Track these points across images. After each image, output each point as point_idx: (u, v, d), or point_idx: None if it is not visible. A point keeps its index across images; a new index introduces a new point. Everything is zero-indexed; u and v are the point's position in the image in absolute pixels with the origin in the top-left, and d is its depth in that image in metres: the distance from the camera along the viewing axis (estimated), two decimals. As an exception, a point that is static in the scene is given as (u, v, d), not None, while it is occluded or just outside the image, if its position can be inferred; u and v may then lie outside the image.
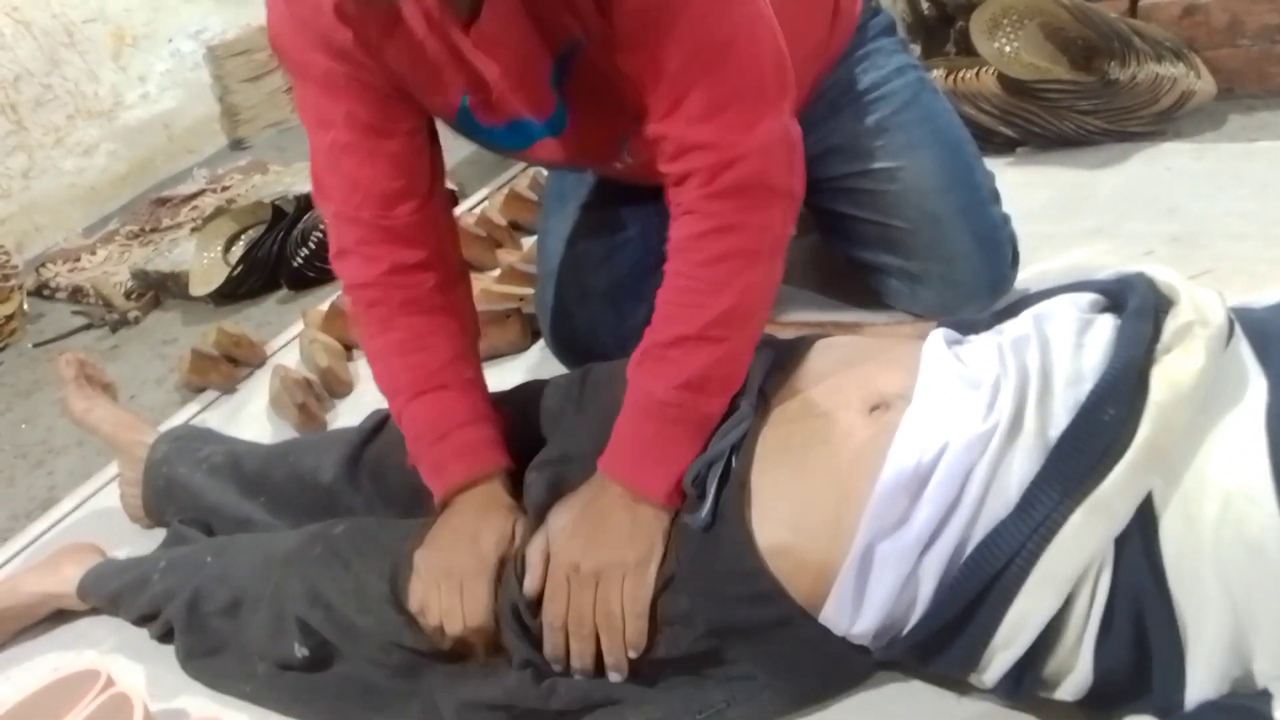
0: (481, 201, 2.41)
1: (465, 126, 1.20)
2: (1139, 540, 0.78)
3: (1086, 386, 0.83)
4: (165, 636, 1.25)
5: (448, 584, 1.01)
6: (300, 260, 2.33)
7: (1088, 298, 0.93)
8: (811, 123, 1.40)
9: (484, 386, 1.19)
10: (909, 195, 1.40)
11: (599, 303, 1.49)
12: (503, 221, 2.17)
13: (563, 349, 1.58)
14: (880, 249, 1.45)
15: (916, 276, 1.43)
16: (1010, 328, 0.95)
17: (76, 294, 2.71)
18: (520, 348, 1.76)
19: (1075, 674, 0.83)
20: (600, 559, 0.95)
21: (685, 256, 1.02)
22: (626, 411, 1.02)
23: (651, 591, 0.94)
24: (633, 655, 0.94)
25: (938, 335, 0.98)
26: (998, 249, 1.42)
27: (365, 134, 1.13)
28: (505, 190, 2.28)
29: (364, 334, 1.19)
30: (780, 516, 0.91)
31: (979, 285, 1.41)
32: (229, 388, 1.94)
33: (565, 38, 1.09)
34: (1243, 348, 0.85)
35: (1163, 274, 0.89)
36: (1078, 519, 0.78)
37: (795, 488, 0.91)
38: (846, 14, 1.41)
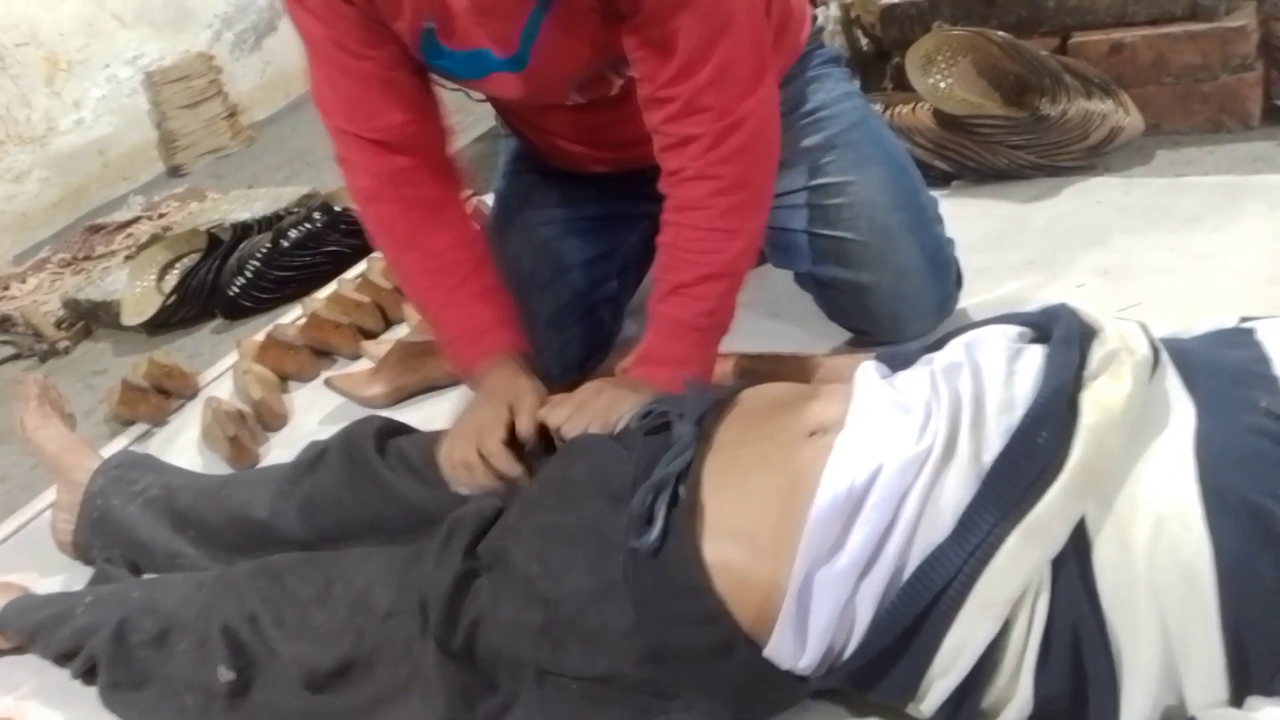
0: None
1: (427, 50, 1.25)
2: (1074, 564, 0.79)
3: (1018, 413, 0.83)
4: (88, 675, 1.21)
5: (466, 434, 1.17)
6: (236, 289, 2.29)
7: (1015, 329, 0.95)
8: None
9: (499, 291, 1.34)
10: (860, 209, 1.42)
11: (543, 328, 1.48)
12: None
13: None
14: (831, 263, 1.46)
15: (866, 289, 1.43)
16: (941, 356, 0.96)
17: (5, 323, 2.64)
18: (457, 379, 1.74)
19: (1015, 703, 0.82)
20: (621, 390, 1.14)
21: (698, 213, 1.19)
22: (656, 338, 1.22)
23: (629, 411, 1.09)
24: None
25: (870, 366, 0.99)
26: (944, 266, 1.45)
27: (348, 54, 1.24)
28: None
29: (379, 240, 1.36)
30: (726, 535, 0.91)
31: (927, 299, 1.43)
32: (159, 420, 1.90)
33: None
34: (1171, 376, 0.87)
35: (1085, 306, 0.91)
36: (1014, 542, 0.78)
37: (740, 508, 0.91)
38: (793, 31, 1.45)
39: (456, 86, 1.35)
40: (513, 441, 1.17)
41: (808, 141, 1.45)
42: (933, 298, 1.44)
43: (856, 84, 1.56)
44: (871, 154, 1.44)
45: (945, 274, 1.45)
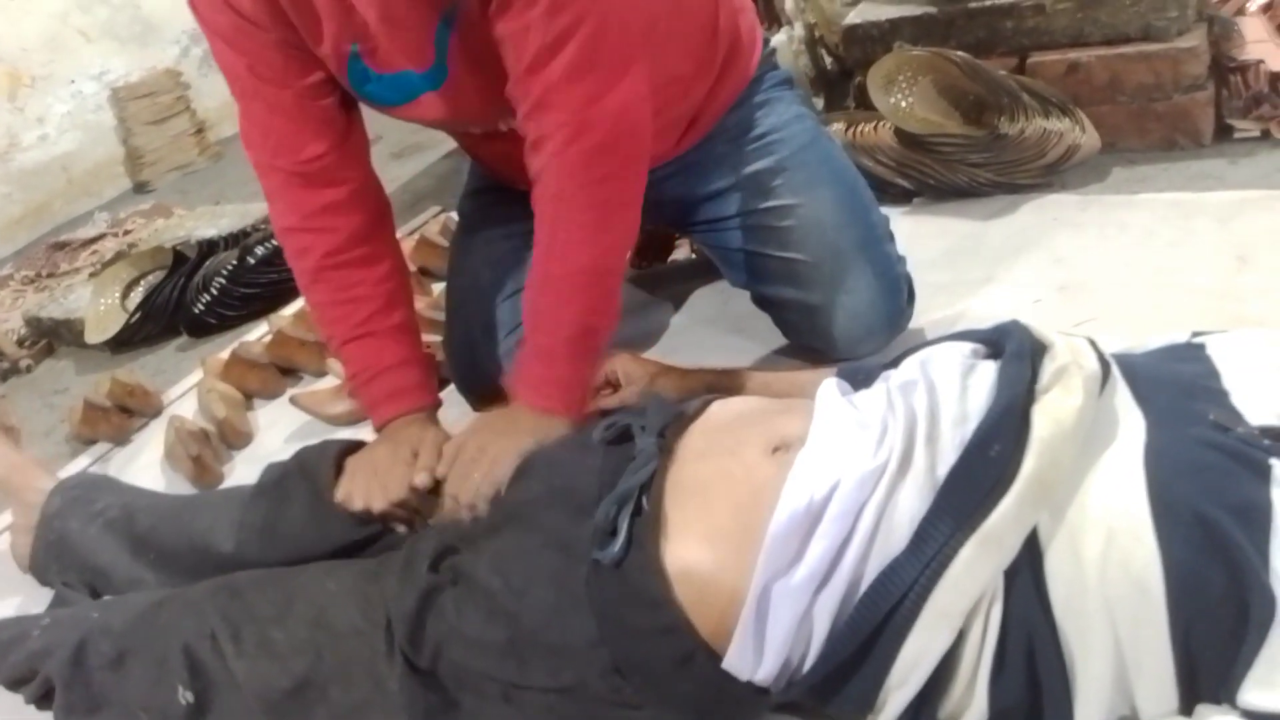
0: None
1: (355, 77, 1.25)
2: (1028, 574, 0.80)
3: (972, 426, 0.85)
4: (43, 700, 1.18)
5: (365, 472, 1.18)
6: (201, 307, 2.28)
7: (969, 345, 0.97)
8: (713, 160, 1.48)
9: (412, 329, 1.34)
10: (810, 229, 1.44)
11: (504, 339, 1.49)
12: (412, 268, 2.14)
13: (467, 386, 1.57)
14: (783, 283, 1.47)
15: (818, 308, 1.44)
16: (897, 374, 0.97)
17: (-37, 341, 2.61)
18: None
19: (971, 714, 0.83)
20: (484, 439, 1.14)
21: (558, 204, 1.16)
22: (527, 346, 1.20)
23: (511, 469, 1.09)
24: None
25: (831, 384, 1.00)
26: (895, 284, 1.46)
27: (268, 84, 1.24)
28: (415, 236, 2.26)
29: (299, 281, 1.35)
30: (687, 547, 0.91)
31: (877, 318, 1.45)
32: (121, 439, 1.88)
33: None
34: (1122, 390, 0.88)
35: (1037, 323, 0.93)
36: (968, 552, 0.80)
37: (702, 521, 0.92)
38: (743, 57, 1.47)
39: (393, 116, 1.35)
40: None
41: (758, 165, 1.47)
42: (883, 315, 1.45)
43: (808, 106, 1.58)
44: (821, 175, 1.46)
45: (896, 292, 1.47)
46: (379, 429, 1.30)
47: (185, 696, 1.04)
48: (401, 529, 1.20)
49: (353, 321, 1.30)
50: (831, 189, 1.45)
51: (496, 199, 1.58)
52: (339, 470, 1.24)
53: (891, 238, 1.50)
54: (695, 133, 1.47)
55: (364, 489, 1.19)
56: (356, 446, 1.30)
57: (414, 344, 1.34)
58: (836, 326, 1.45)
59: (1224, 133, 1.87)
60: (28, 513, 1.44)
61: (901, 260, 1.49)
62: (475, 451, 1.15)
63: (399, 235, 2.41)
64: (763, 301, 1.53)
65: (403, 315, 1.34)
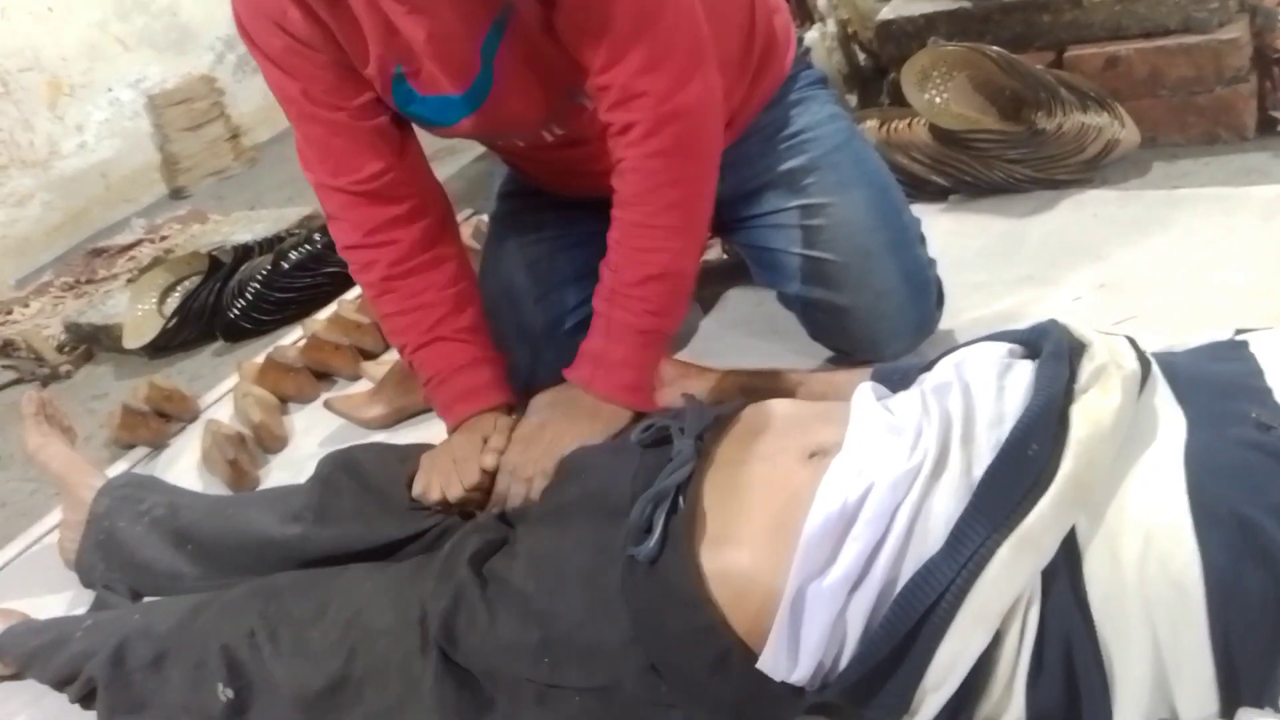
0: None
1: (400, 98, 1.26)
2: (1065, 576, 0.79)
3: (1008, 427, 0.84)
4: (87, 699, 1.21)
5: (443, 463, 1.20)
6: (237, 311, 2.29)
7: (1005, 346, 0.95)
8: (747, 159, 1.47)
9: (483, 329, 1.35)
10: (840, 230, 1.42)
11: (536, 342, 1.49)
12: None
13: None
14: (811, 283, 1.46)
15: (845, 310, 1.43)
16: (931, 376, 0.96)
17: (7, 347, 2.65)
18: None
19: (1008, 717, 0.82)
20: (561, 429, 1.16)
21: (639, 208, 1.18)
22: (599, 337, 1.21)
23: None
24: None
25: (866, 388, 0.99)
26: (924, 287, 1.45)
27: (323, 107, 1.26)
28: None
29: (367, 295, 1.37)
30: (723, 547, 0.91)
31: (905, 321, 1.43)
32: (159, 444, 1.90)
33: (500, 3, 1.15)
34: (1162, 390, 0.87)
35: (1075, 322, 0.92)
36: (1005, 553, 0.79)
37: (738, 523, 0.92)
38: (778, 56, 1.46)
39: (438, 136, 1.36)
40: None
41: (792, 163, 1.46)
42: (911, 319, 1.44)
43: (842, 106, 1.57)
44: (854, 175, 1.45)
45: (925, 295, 1.45)
46: (452, 431, 1.30)
47: (225, 694, 1.06)
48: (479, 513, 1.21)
49: (422, 328, 1.31)
50: (863, 190, 1.44)
51: (529, 203, 1.58)
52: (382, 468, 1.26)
53: (923, 240, 1.48)
54: (731, 133, 1.46)
55: (443, 479, 1.20)
56: (401, 450, 1.31)
57: (485, 343, 1.35)
58: (862, 329, 1.44)
59: (1267, 125, 1.83)
60: (79, 509, 1.47)
61: (932, 263, 1.48)
62: (535, 430, 1.19)
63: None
64: (791, 301, 1.52)
65: (472, 316, 1.34)
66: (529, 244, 1.54)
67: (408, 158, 1.32)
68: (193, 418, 1.96)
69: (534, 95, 1.25)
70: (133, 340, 2.33)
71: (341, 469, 1.27)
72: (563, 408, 1.21)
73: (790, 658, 0.88)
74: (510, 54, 1.20)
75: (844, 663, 0.87)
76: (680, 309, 1.24)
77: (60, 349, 2.50)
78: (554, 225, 1.54)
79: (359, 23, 1.19)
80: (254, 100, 3.81)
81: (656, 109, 1.14)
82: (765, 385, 1.24)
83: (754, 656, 0.88)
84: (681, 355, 1.58)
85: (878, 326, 1.43)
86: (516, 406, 1.32)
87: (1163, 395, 0.86)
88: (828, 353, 1.53)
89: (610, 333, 1.21)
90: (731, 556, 0.90)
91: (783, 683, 0.89)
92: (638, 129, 1.15)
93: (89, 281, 2.90)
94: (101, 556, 1.41)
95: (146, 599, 1.35)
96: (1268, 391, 0.84)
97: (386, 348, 2.01)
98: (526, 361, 1.50)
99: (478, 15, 1.17)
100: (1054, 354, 0.88)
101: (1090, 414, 0.82)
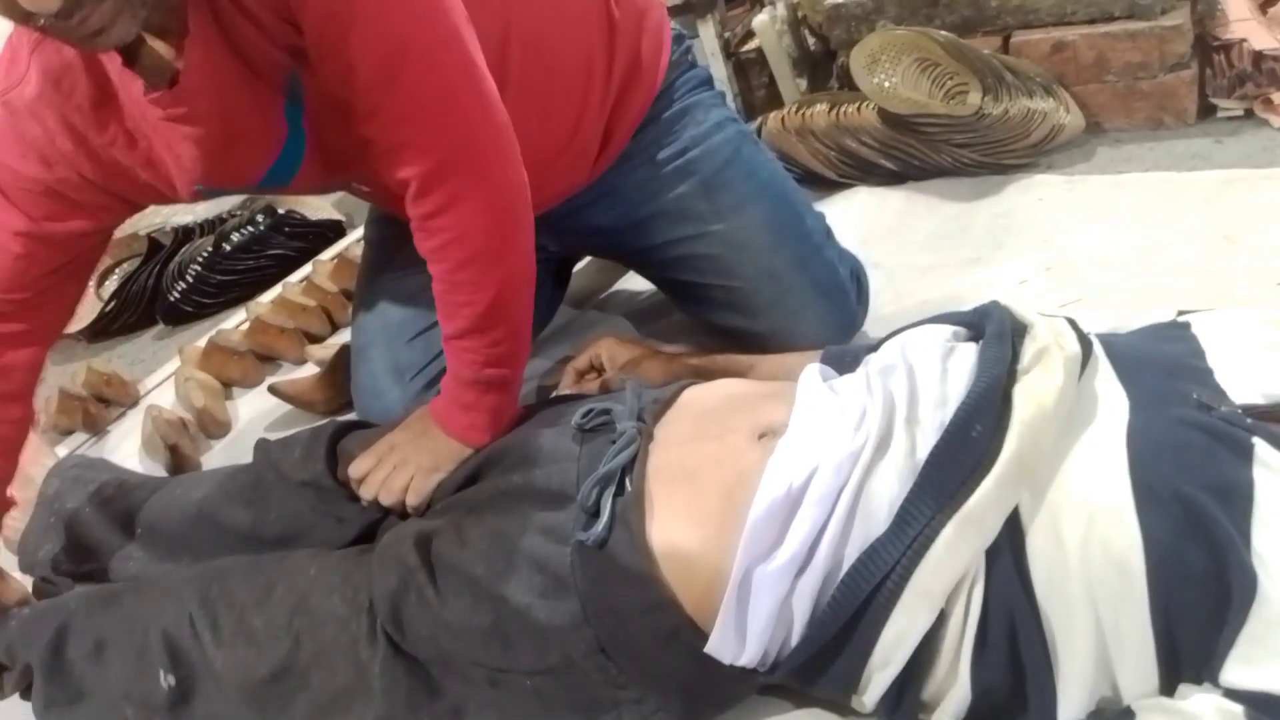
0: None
1: (215, 194, 1.21)
2: (1009, 555, 0.80)
3: (952, 408, 0.84)
4: (25, 691, 1.17)
5: (401, 468, 1.14)
6: (177, 295, 2.26)
7: (949, 328, 0.96)
8: (631, 185, 1.40)
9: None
10: (742, 255, 1.38)
11: (413, 380, 1.41)
12: (334, 289, 2.05)
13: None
14: (728, 311, 1.42)
15: (765, 336, 1.38)
16: (877, 358, 0.97)
17: (-61, 332, 2.58)
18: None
19: (954, 694, 0.83)
20: (407, 453, 1.14)
21: (436, 266, 1.10)
22: (451, 379, 1.15)
23: (431, 489, 1.13)
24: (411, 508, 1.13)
25: (814, 370, 1.00)
26: (839, 293, 1.41)
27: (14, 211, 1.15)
28: (336, 257, 2.14)
29: None
30: (673, 526, 0.91)
31: (826, 333, 1.37)
32: (98, 429, 1.86)
33: (281, 70, 1.06)
34: (1104, 370, 0.88)
35: (1017, 304, 0.93)
36: (949, 533, 0.79)
37: (686, 503, 0.92)
38: (645, 78, 1.38)
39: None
40: None
41: (681, 189, 1.39)
42: (832, 327, 1.39)
43: (727, 108, 1.48)
44: (747, 192, 1.39)
45: (842, 301, 1.41)
46: None
47: (167, 680, 1.04)
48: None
49: None
50: (759, 206, 1.39)
51: (403, 229, 1.41)
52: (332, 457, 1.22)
53: (829, 235, 1.44)
54: (610, 152, 1.39)
55: (380, 480, 1.16)
56: (349, 426, 1.27)
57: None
58: (786, 349, 1.34)
59: (1209, 112, 1.86)
60: (28, 487, 1.43)
61: (845, 258, 1.44)
62: (385, 449, 1.16)
63: (325, 258, 2.33)
64: (713, 330, 1.47)
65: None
66: (409, 275, 1.40)
67: (52, 298, 1.25)
68: (133, 403, 1.92)
69: (343, 151, 1.16)
70: (70, 324, 2.27)
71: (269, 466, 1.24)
72: (415, 430, 1.17)
73: (738, 641, 0.88)
74: (315, 115, 1.12)
75: (793, 644, 0.87)
76: (513, 355, 1.15)
77: (-5, 333, 2.44)
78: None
79: (137, 139, 1.11)
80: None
81: (425, 162, 1.03)
82: (716, 367, 1.23)
83: (703, 637, 0.88)
84: (644, 337, 1.56)
85: (799, 345, 1.34)
86: None
87: (1105, 376, 0.87)
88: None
89: (458, 376, 1.15)
90: (680, 536, 0.90)
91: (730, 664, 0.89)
92: (411, 188, 1.05)
93: (25, 264, 2.83)
94: (49, 539, 1.37)
95: (87, 586, 1.32)
96: (1209, 372, 0.85)
97: (333, 330, 1.98)
98: (401, 401, 1.40)
99: (263, 93, 1.09)
100: (997, 335, 0.88)
101: (1033, 395, 0.82)
